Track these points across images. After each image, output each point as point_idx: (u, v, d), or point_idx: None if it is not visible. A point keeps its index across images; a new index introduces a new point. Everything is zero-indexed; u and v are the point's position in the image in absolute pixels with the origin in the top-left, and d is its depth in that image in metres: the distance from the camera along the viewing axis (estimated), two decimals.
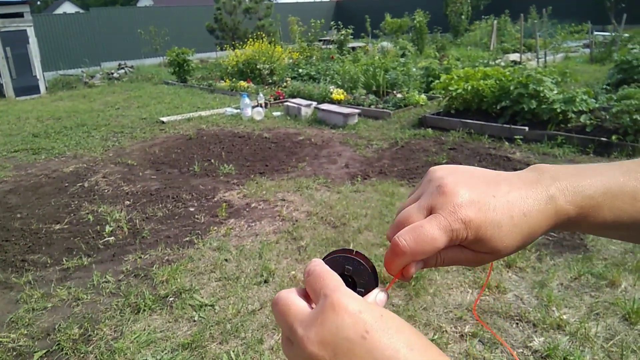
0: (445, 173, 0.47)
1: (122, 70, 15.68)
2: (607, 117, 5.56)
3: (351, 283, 0.43)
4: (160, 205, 4.43)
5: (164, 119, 8.23)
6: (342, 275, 0.41)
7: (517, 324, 2.57)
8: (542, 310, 2.64)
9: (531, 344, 2.39)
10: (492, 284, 2.88)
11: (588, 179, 0.47)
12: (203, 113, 8.62)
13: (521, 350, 2.37)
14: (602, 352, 2.29)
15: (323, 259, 0.43)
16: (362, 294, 0.42)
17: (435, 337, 2.47)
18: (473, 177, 0.46)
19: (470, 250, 0.45)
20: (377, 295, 0.42)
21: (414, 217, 0.44)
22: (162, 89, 12.50)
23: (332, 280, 0.39)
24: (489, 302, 2.74)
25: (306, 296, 0.40)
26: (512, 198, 0.44)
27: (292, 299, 0.39)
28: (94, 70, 16.68)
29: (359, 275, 0.43)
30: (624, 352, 2.26)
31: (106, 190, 4.93)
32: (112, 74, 15.08)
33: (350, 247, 0.46)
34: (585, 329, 2.44)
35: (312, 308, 0.38)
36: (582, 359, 2.22)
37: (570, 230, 0.50)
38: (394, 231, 0.44)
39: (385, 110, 7.64)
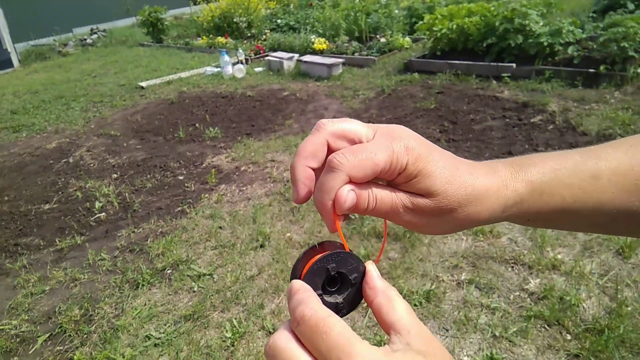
0: (404, 130, 0.43)
1: (95, 35, 15.12)
2: (595, 47, 5.45)
3: (339, 277, 0.40)
4: (149, 176, 4.37)
5: (144, 83, 8.00)
6: (329, 278, 0.39)
7: (512, 267, 2.61)
8: (537, 251, 2.67)
9: (527, 287, 2.43)
10: (485, 230, 2.90)
11: (537, 157, 0.45)
12: (183, 74, 8.37)
13: (518, 293, 2.41)
14: (598, 288, 2.34)
15: (302, 278, 0.39)
16: (358, 278, 0.39)
17: (433, 286, 2.50)
18: (427, 140, 0.43)
19: (406, 193, 0.41)
20: (374, 272, 0.39)
21: (356, 131, 0.42)
22: (138, 51, 12.09)
23: (340, 335, 0.32)
24: (484, 248, 2.77)
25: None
26: (458, 158, 0.43)
27: (294, 354, 0.33)
28: (66, 37, 16.05)
29: (344, 264, 0.39)
30: (619, 287, 2.31)
31: (92, 165, 4.85)
32: (85, 40, 14.55)
33: (313, 243, 0.42)
34: (580, 266, 2.48)
35: None
36: (578, 297, 2.26)
37: (527, 222, 0.46)
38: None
39: (369, 57, 7.45)
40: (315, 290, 0.37)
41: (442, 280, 2.56)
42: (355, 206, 0.39)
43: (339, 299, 0.40)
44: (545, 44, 5.62)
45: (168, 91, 7.43)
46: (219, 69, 8.15)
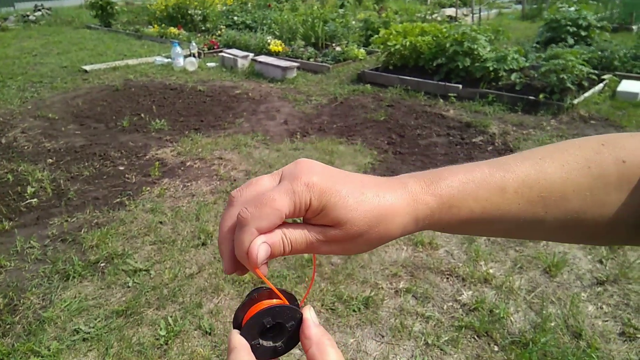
0: (306, 165, 0.44)
1: (39, 13, 14.29)
2: (536, 75, 5.79)
3: (277, 326, 0.42)
4: (87, 164, 4.17)
5: (87, 67, 7.64)
6: (265, 329, 0.41)
7: (447, 278, 2.71)
8: (471, 265, 2.79)
9: (460, 298, 2.54)
10: (425, 241, 3.00)
11: (447, 171, 0.47)
12: (130, 62, 8.08)
13: (451, 303, 2.51)
14: (525, 303, 2.48)
15: (239, 330, 0.42)
16: (295, 326, 0.42)
17: (372, 293, 2.55)
18: (331, 170, 0.45)
19: (318, 227, 0.42)
20: (310, 320, 0.42)
21: (265, 187, 0.43)
22: (84, 33, 11.54)
23: None
24: (422, 259, 2.86)
25: None
26: (366, 180, 0.44)
27: None
28: (6, 11, 15.06)
29: (280, 316, 0.42)
30: (544, 303, 2.45)
31: (26, 147, 4.56)
32: (28, 16, 13.71)
33: (250, 290, 0.45)
34: (509, 282, 2.62)
35: None
36: (506, 311, 2.39)
37: (442, 230, 0.48)
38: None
39: (324, 64, 7.52)
40: (252, 339, 0.41)
41: (381, 287, 2.62)
42: (271, 255, 0.41)
43: (278, 342, 0.42)
44: (491, 68, 5.91)
45: (113, 77, 7.14)
46: (169, 59, 7.94)
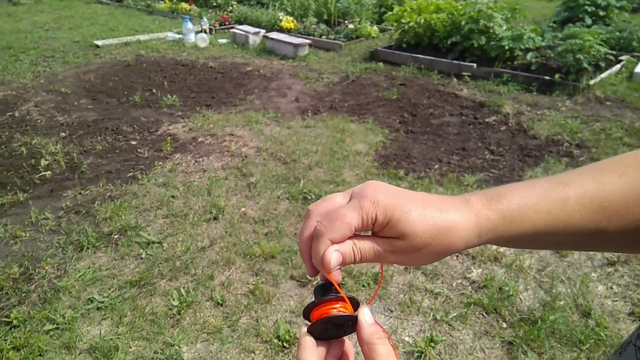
0: (373, 185, 0.50)
1: None
2: (552, 55, 5.69)
3: (337, 326, 0.49)
4: (99, 138, 4.20)
5: (99, 42, 7.62)
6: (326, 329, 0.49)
7: (457, 256, 2.72)
8: None
9: (470, 275, 2.54)
10: None
11: (508, 189, 0.50)
12: (142, 37, 8.05)
13: (460, 281, 2.52)
14: (535, 282, 2.48)
15: (308, 330, 0.49)
16: (352, 325, 0.48)
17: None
18: (396, 189, 0.50)
19: (385, 239, 0.47)
20: (364, 321, 0.47)
21: (337, 203, 0.50)
22: (95, 8, 11.49)
23: None
24: None
25: None
26: (429, 198, 0.49)
27: None
28: None
29: (339, 320, 0.48)
30: (554, 282, 2.46)
31: (39, 121, 4.60)
32: None
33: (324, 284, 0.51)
34: (520, 261, 2.62)
35: None
36: (516, 289, 2.39)
37: (506, 245, 0.51)
38: None
39: (336, 41, 7.44)
40: (318, 333, 0.48)
41: (391, 264, 2.63)
42: (343, 262, 0.47)
43: (341, 330, 0.49)
44: (507, 47, 5.80)
45: (125, 52, 7.13)
46: (180, 35, 7.89)
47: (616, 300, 2.34)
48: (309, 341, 0.47)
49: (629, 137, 4.15)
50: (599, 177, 0.49)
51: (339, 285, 0.49)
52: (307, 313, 0.51)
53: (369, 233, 0.49)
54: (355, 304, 0.51)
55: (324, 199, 0.51)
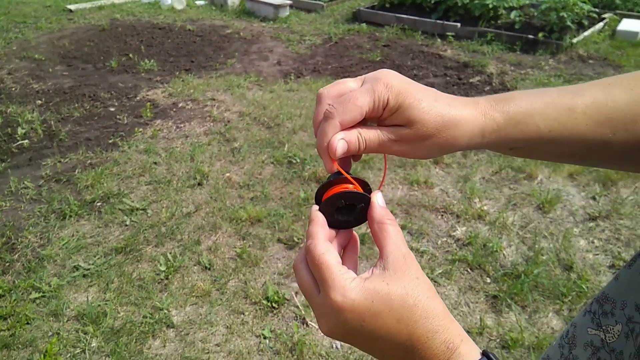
0: (387, 72, 0.49)
1: None
2: (536, 14, 5.63)
3: (350, 206, 0.48)
4: (77, 105, 4.08)
5: (72, 7, 7.32)
6: (339, 207, 0.48)
7: (442, 215, 2.74)
8: (465, 202, 2.82)
9: (454, 233, 2.58)
10: (420, 180, 3.01)
11: (517, 94, 0.50)
12: (116, 0, 7.75)
13: (445, 239, 2.55)
14: (518, 238, 2.52)
15: (319, 206, 0.49)
16: (365, 207, 0.48)
17: (368, 230, 2.57)
18: (409, 80, 0.49)
19: (390, 127, 0.47)
20: (376, 203, 0.47)
21: (349, 87, 0.49)
22: None
23: (328, 270, 0.42)
24: (417, 197, 2.88)
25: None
26: (440, 94, 0.49)
27: (302, 273, 0.45)
28: None
29: (352, 198, 0.48)
30: (537, 238, 2.50)
31: (13, 89, 4.44)
32: None
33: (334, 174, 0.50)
34: (503, 218, 2.66)
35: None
36: (499, 245, 2.43)
37: (508, 151, 0.51)
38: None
39: (318, 2, 7.25)
40: (328, 213, 0.48)
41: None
42: (348, 151, 0.46)
43: (350, 217, 0.49)
44: (491, 6, 5.73)
45: (99, 17, 6.87)
46: None
47: (597, 254, 2.40)
48: (319, 217, 0.47)
49: None
50: (609, 89, 0.48)
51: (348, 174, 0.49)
52: (319, 196, 0.51)
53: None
54: (366, 187, 0.50)
55: (335, 82, 0.50)
